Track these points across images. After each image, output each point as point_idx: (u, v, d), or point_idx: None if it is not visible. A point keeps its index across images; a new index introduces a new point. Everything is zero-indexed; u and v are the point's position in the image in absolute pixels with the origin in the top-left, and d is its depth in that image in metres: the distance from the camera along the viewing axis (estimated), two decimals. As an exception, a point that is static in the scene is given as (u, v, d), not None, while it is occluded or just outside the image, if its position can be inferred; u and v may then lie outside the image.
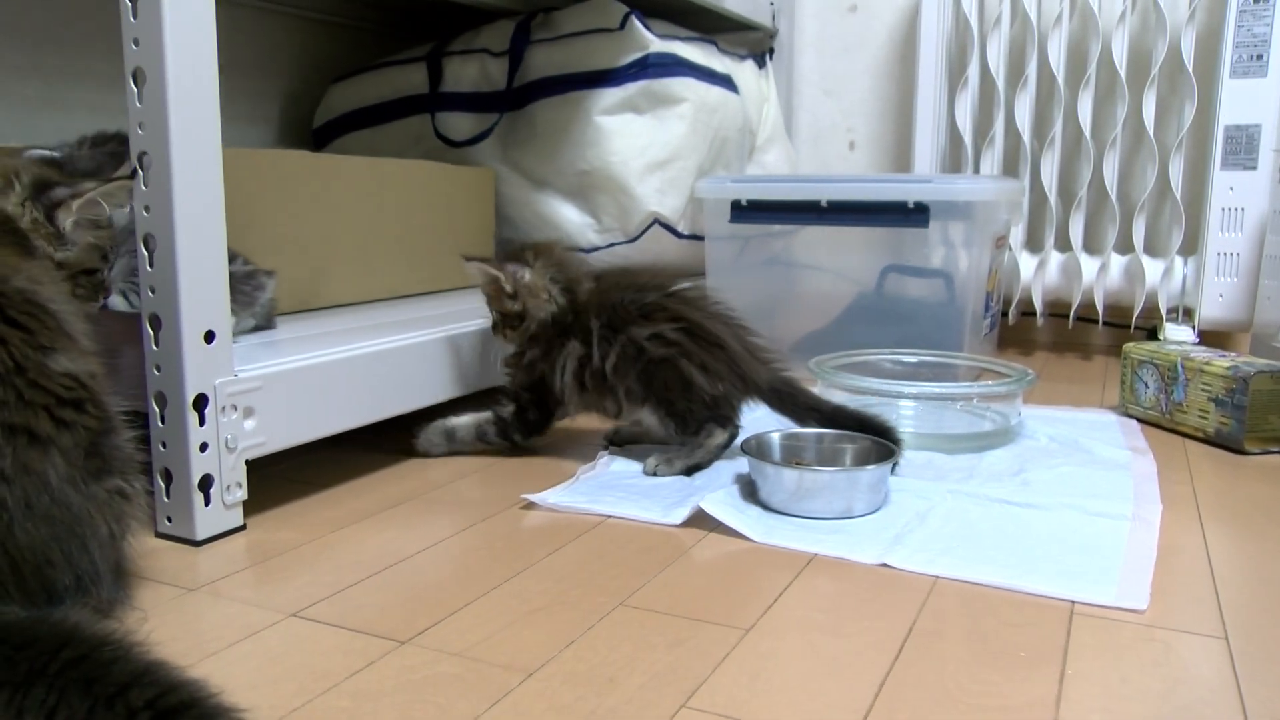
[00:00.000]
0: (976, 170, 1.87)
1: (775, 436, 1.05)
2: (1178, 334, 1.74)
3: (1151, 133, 1.74)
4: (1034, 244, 1.90)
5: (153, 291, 0.84)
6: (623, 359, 1.06)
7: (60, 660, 0.56)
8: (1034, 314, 1.88)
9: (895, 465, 1.01)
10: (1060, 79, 1.78)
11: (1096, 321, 1.85)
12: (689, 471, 1.06)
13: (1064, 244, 1.85)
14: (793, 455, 1.04)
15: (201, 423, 0.85)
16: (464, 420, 1.14)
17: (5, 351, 0.63)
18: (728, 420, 1.08)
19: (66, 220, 0.80)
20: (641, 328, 1.05)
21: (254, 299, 1.10)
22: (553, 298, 1.10)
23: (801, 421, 1.08)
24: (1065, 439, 1.21)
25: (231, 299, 1.04)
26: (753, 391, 1.08)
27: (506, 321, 1.11)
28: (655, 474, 1.05)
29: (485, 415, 1.14)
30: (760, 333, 1.14)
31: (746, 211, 1.60)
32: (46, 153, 0.99)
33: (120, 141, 1.03)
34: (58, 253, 0.80)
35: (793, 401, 1.09)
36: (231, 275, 1.05)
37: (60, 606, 0.64)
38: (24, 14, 1.38)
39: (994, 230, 1.55)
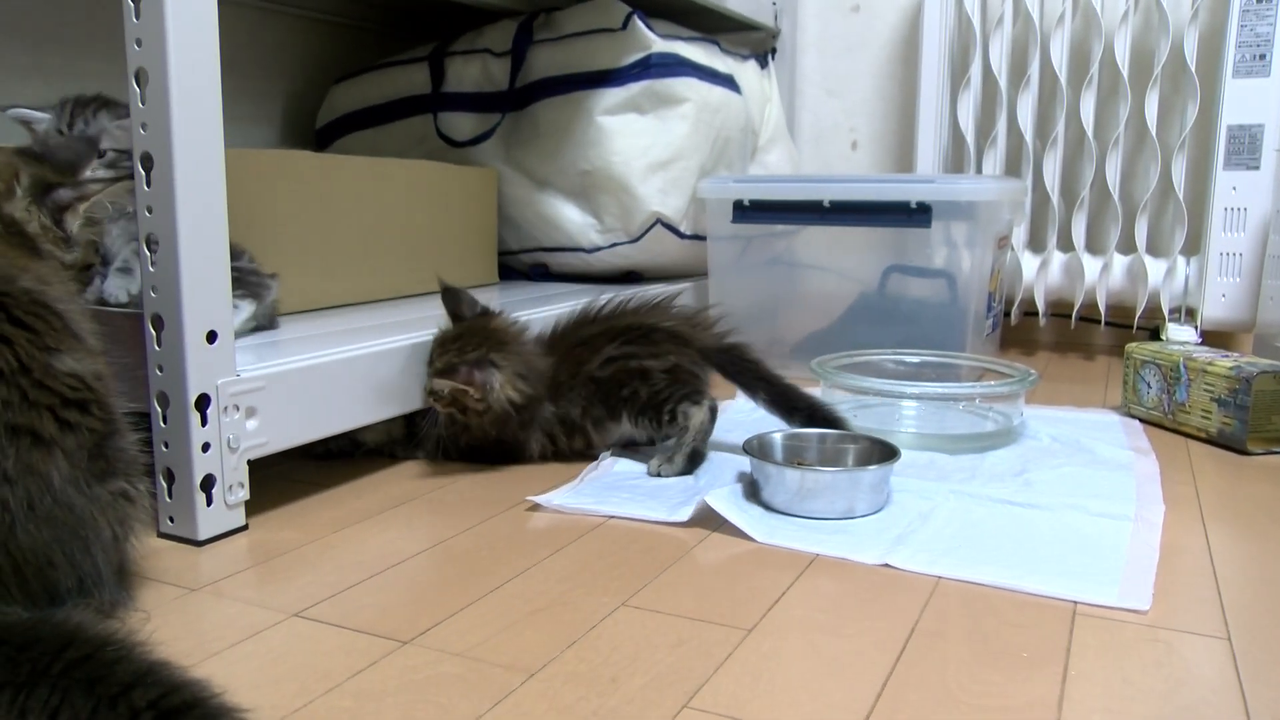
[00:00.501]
0: (979, 170, 1.87)
1: (777, 437, 1.05)
2: (1180, 334, 1.74)
3: (1154, 132, 1.74)
4: (1036, 244, 1.90)
5: (155, 292, 0.84)
6: (585, 398, 1.09)
7: (63, 661, 0.56)
8: (1036, 314, 1.87)
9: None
10: (1063, 79, 1.78)
11: (1099, 321, 1.84)
12: (690, 460, 1.06)
13: (1066, 244, 1.84)
14: (795, 455, 1.04)
15: (204, 423, 0.85)
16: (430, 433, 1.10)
17: (10, 352, 0.63)
18: (697, 394, 1.09)
19: (74, 224, 0.80)
20: (590, 363, 1.08)
21: (260, 294, 1.11)
22: (519, 390, 1.06)
23: (752, 392, 1.11)
24: (1067, 439, 1.21)
25: (241, 289, 1.07)
26: (701, 356, 1.11)
27: (457, 405, 1.06)
28: (660, 474, 1.05)
29: (445, 439, 1.10)
30: (707, 314, 1.17)
31: (749, 211, 1.60)
32: (31, 112, 1.00)
33: (101, 104, 1.02)
34: (66, 255, 0.80)
35: (743, 369, 1.11)
36: (240, 270, 1.07)
37: (63, 607, 0.64)
38: (26, 14, 1.38)
39: (996, 230, 1.55)
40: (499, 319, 1.11)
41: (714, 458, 1.12)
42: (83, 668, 0.56)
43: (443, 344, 1.08)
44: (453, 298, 1.12)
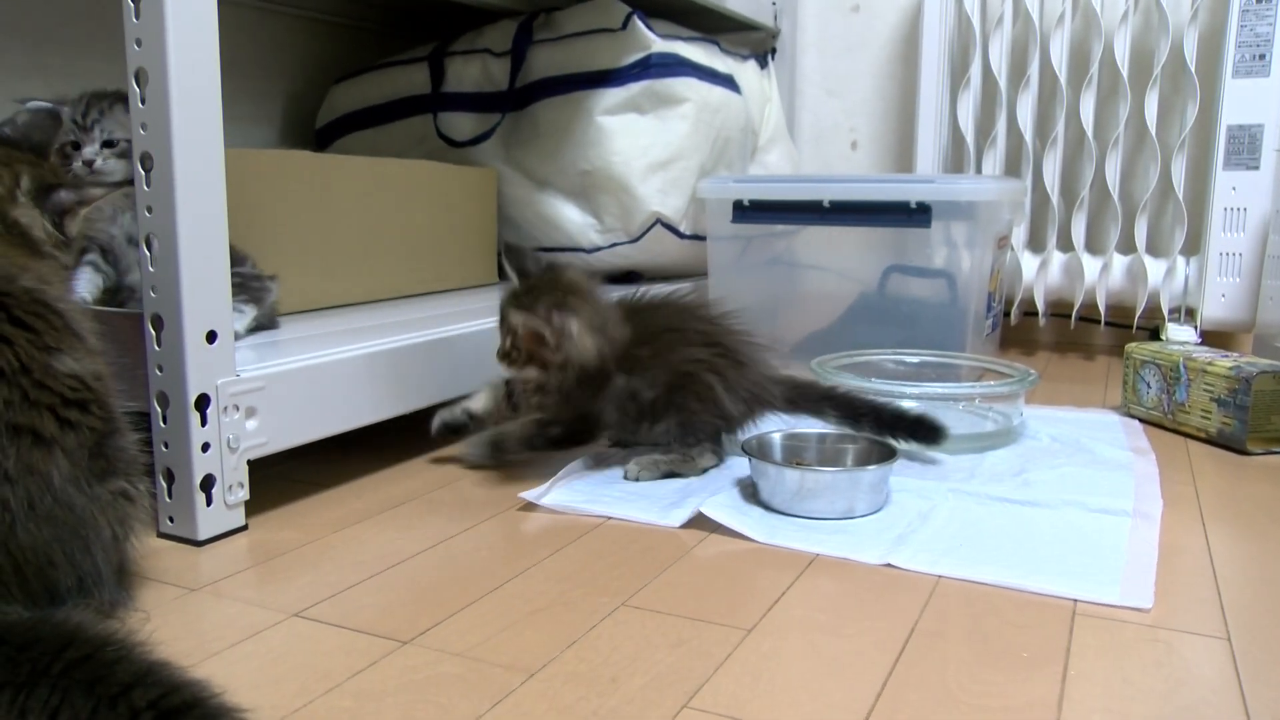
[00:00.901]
0: (979, 170, 1.87)
1: (776, 436, 1.05)
2: (1180, 334, 1.74)
3: (1154, 133, 1.74)
4: (1036, 244, 1.90)
5: (154, 292, 0.84)
6: (664, 385, 1.03)
7: (63, 661, 0.56)
8: (1036, 314, 1.87)
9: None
10: (1063, 79, 1.78)
11: (1099, 321, 1.84)
12: (668, 477, 1.05)
13: (1066, 244, 1.84)
14: (794, 455, 1.04)
15: (204, 423, 0.85)
16: (510, 429, 1.08)
17: (11, 352, 0.63)
18: (721, 446, 1.09)
19: (75, 227, 0.80)
20: (678, 353, 1.03)
21: (262, 298, 1.11)
22: (594, 346, 1.00)
23: (820, 415, 1.10)
24: (1067, 439, 1.21)
25: (243, 294, 1.07)
26: (765, 411, 1.09)
27: (533, 361, 1.01)
28: (638, 479, 1.04)
29: (530, 428, 1.08)
30: (765, 338, 1.13)
31: (749, 211, 1.60)
32: (46, 104, 1.00)
33: (118, 97, 1.02)
34: (67, 257, 0.80)
35: (807, 397, 1.10)
36: (243, 275, 1.08)
37: (63, 607, 0.64)
38: (26, 14, 1.38)
39: (996, 230, 1.55)
40: (570, 271, 1.05)
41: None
42: (83, 668, 0.56)
43: (515, 297, 1.02)
44: (518, 255, 1.06)
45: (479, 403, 1.10)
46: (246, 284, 1.09)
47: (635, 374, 1.03)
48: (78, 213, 0.80)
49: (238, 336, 1.06)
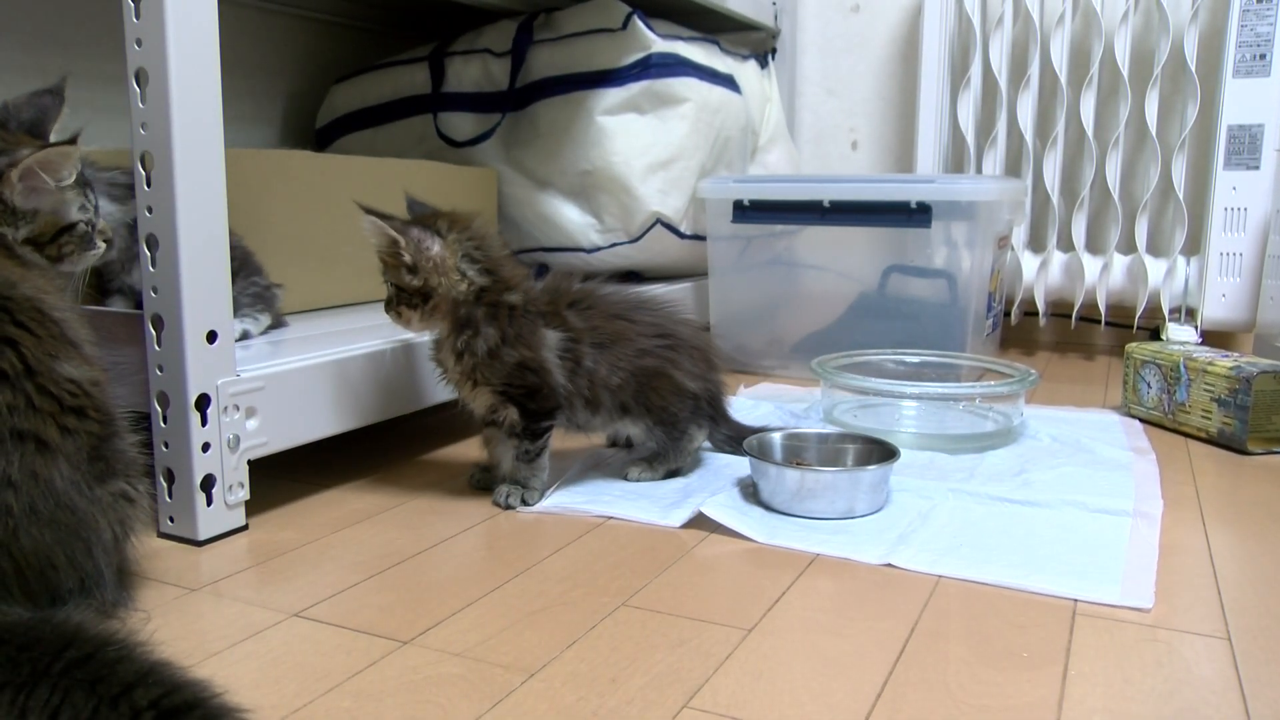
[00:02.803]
0: (979, 170, 1.87)
1: (776, 437, 1.05)
2: (1180, 334, 1.74)
3: (1154, 132, 1.74)
4: (1037, 244, 1.90)
5: (155, 292, 0.84)
6: (615, 371, 1.00)
7: (64, 660, 0.56)
8: (1036, 314, 1.87)
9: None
10: (1063, 79, 1.78)
11: (1099, 321, 1.84)
12: (669, 475, 1.06)
13: (1067, 244, 1.84)
14: (794, 455, 1.04)
15: (204, 423, 0.85)
16: (508, 464, 1.00)
17: (16, 354, 0.63)
18: (703, 418, 1.08)
19: (11, 194, 0.76)
20: (630, 343, 1.01)
21: (274, 305, 1.14)
22: (466, 277, 0.94)
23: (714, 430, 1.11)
24: (1067, 439, 1.21)
25: (260, 304, 1.10)
26: (718, 377, 1.09)
27: (404, 299, 0.96)
28: (639, 480, 1.05)
29: (510, 442, 0.99)
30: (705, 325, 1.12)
31: (749, 211, 1.60)
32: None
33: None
34: (18, 230, 0.76)
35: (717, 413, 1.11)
36: (259, 286, 1.11)
37: (64, 608, 0.64)
38: (26, 15, 1.38)
39: (996, 230, 1.55)
40: (469, 213, 1.00)
41: (708, 459, 1.12)
42: (84, 668, 0.56)
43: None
44: (416, 207, 1.02)
45: (486, 457, 1.05)
46: (262, 294, 1.11)
47: (580, 342, 0.98)
48: (10, 177, 0.76)
49: (248, 336, 1.06)
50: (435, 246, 0.94)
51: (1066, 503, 0.96)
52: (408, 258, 0.94)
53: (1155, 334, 1.79)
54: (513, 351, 0.95)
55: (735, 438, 1.10)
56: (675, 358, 1.03)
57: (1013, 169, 1.88)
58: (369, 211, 0.93)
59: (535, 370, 0.95)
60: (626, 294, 1.07)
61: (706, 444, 1.13)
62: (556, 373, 0.97)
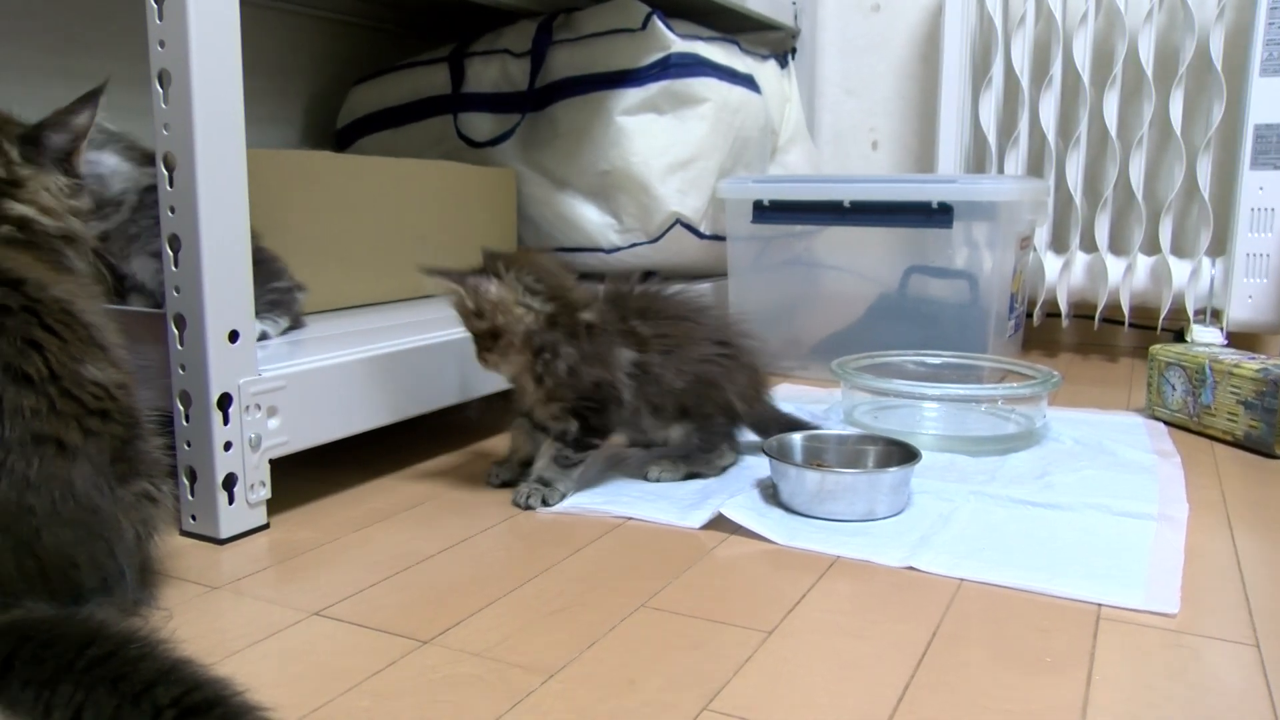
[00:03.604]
0: (1001, 170, 1.86)
1: (797, 438, 1.04)
2: (1205, 336, 1.72)
3: (1179, 132, 1.72)
4: (1059, 244, 1.89)
5: (177, 291, 0.85)
6: (680, 375, 1.00)
7: (86, 658, 0.57)
8: (1059, 315, 1.86)
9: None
10: (1086, 78, 1.76)
11: (1122, 323, 1.83)
12: (689, 477, 1.06)
13: (1089, 245, 1.83)
14: (814, 457, 1.03)
15: (226, 422, 0.86)
16: (543, 462, 1.00)
17: (41, 359, 0.64)
18: (735, 442, 1.09)
19: (80, 166, 0.77)
20: (691, 348, 1.02)
21: (294, 307, 1.14)
22: (531, 309, 0.97)
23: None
24: (1090, 442, 1.20)
25: (281, 308, 1.11)
26: (761, 410, 1.10)
27: (481, 344, 0.99)
28: (660, 479, 1.05)
29: (553, 447, 0.99)
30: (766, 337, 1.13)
31: (768, 212, 1.60)
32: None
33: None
34: (80, 199, 0.77)
35: (775, 423, 1.11)
36: (280, 290, 1.11)
37: (87, 606, 0.64)
38: (51, 18, 1.40)
39: (1018, 231, 1.54)
40: (527, 249, 1.05)
41: (733, 459, 1.12)
42: (106, 665, 0.56)
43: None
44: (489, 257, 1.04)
45: (505, 453, 1.07)
46: (281, 299, 1.12)
47: (650, 351, 1.00)
48: (80, 148, 0.77)
49: (266, 338, 1.07)
50: (493, 288, 0.96)
51: (1089, 506, 0.95)
52: (470, 304, 0.97)
53: (1180, 336, 1.77)
54: (591, 371, 0.97)
55: (786, 426, 1.10)
56: (732, 373, 1.04)
57: (1035, 169, 1.87)
58: (431, 271, 0.97)
59: (607, 390, 0.98)
60: (689, 296, 1.08)
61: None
62: (625, 392, 0.99)
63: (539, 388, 0.98)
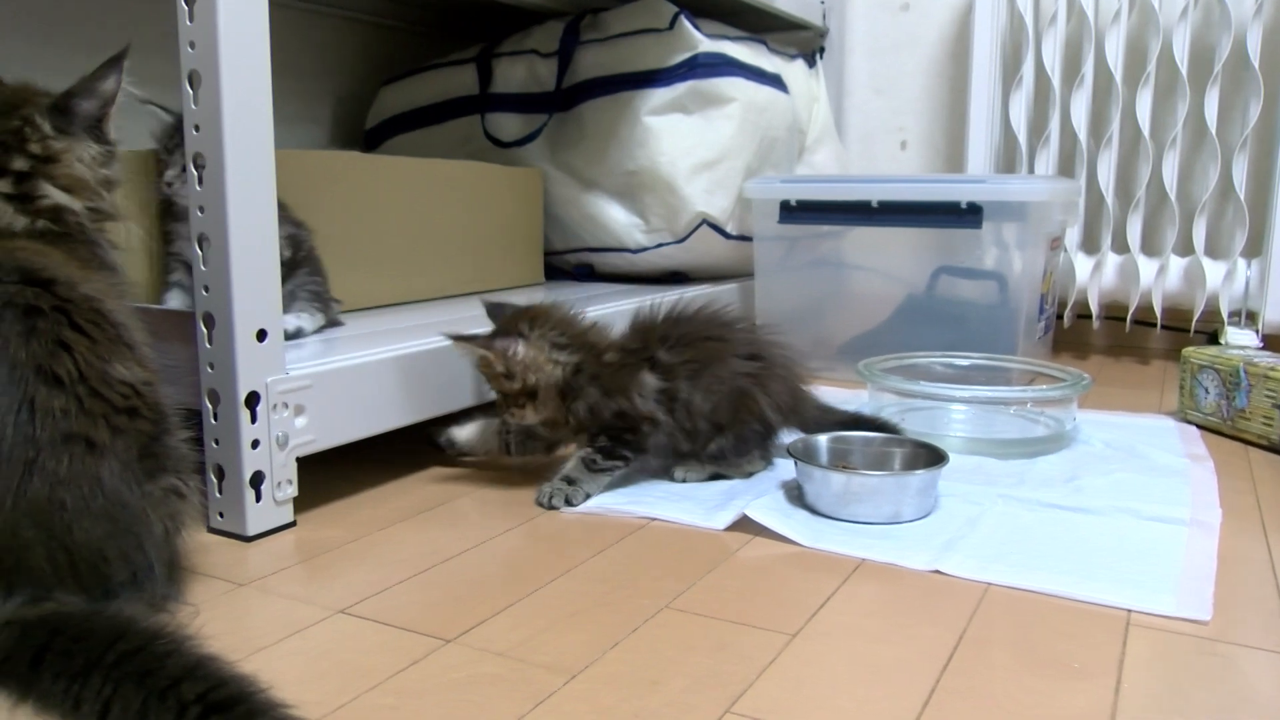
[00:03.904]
0: (1031, 170, 1.84)
1: (822, 439, 1.04)
2: (1240, 338, 1.69)
3: (1214, 131, 1.69)
4: (1090, 245, 1.87)
5: (206, 290, 0.85)
6: (710, 396, 1.00)
7: (116, 652, 0.58)
8: (1090, 317, 1.84)
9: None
10: (1118, 77, 1.74)
11: (1155, 325, 1.80)
12: (714, 478, 1.05)
13: (1121, 245, 1.81)
14: (840, 458, 1.03)
15: (253, 420, 0.86)
16: (572, 463, 1.00)
17: (70, 359, 0.65)
18: (767, 451, 1.08)
19: (112, 129, 0.79)
20: (723, 366, 1.01)
21: (328, 311, 1.16)
22: (559, 363, 0.99)
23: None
24: (1121, 445, 1.18)
25: (318, 303, 1.12)
26: (798, 422, 1.09)
27: (512, 401, 1.00)
28: (686, 480, 1.04)
29: (584, 450, 1.00)
30: (798, 341, 1.12)
31: (795, 212, 1.59)
32: (163, 111, 1.03)
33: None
34: (112, 168, 0.79)
35: (831, 421, 1.11)
36: (319, 285, 1.14)
37: (116, 600, 0.65)
38: (87, 20, 1.41)
39: (1049, 231, 1.52)
40: (546, 304, 1.04)
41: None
42: (134, 660, 0.57)
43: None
44: (496, 311, 1.06)
45: (465, 432, 1.11)
46: (320, 294, 1.13)
47: (676, 378, 1.00)
48: (109, 113, 0.79)
49: (301, 334, 1.08)
50: (522, 349, 0.99)
51: (1119, 510, 0.94)
52: (501, 368, 0.99)
53: (1213, 338, 1.75)
54: (611, 403, 0.98)
55: (840, 423, 1.10)
56: (766, 384, 1.03)
57: (1066, 169, 1.85)
58: (455, 338, 0.99)
59: (632, 417, 0.99)
60: (717, 310, 1.07)
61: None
62: (658, 413, 0.99)
63: (568, 425, 1.01)
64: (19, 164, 0.75)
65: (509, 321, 1.01)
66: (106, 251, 0.79)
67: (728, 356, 1.02)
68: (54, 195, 0.76)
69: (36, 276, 0.66)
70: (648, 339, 1.02)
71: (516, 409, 1.00)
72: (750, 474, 1.07)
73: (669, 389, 1.00)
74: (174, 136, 1.03)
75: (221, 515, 0.88)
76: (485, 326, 1.08)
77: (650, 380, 1.00)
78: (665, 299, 1.08)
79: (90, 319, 0.67)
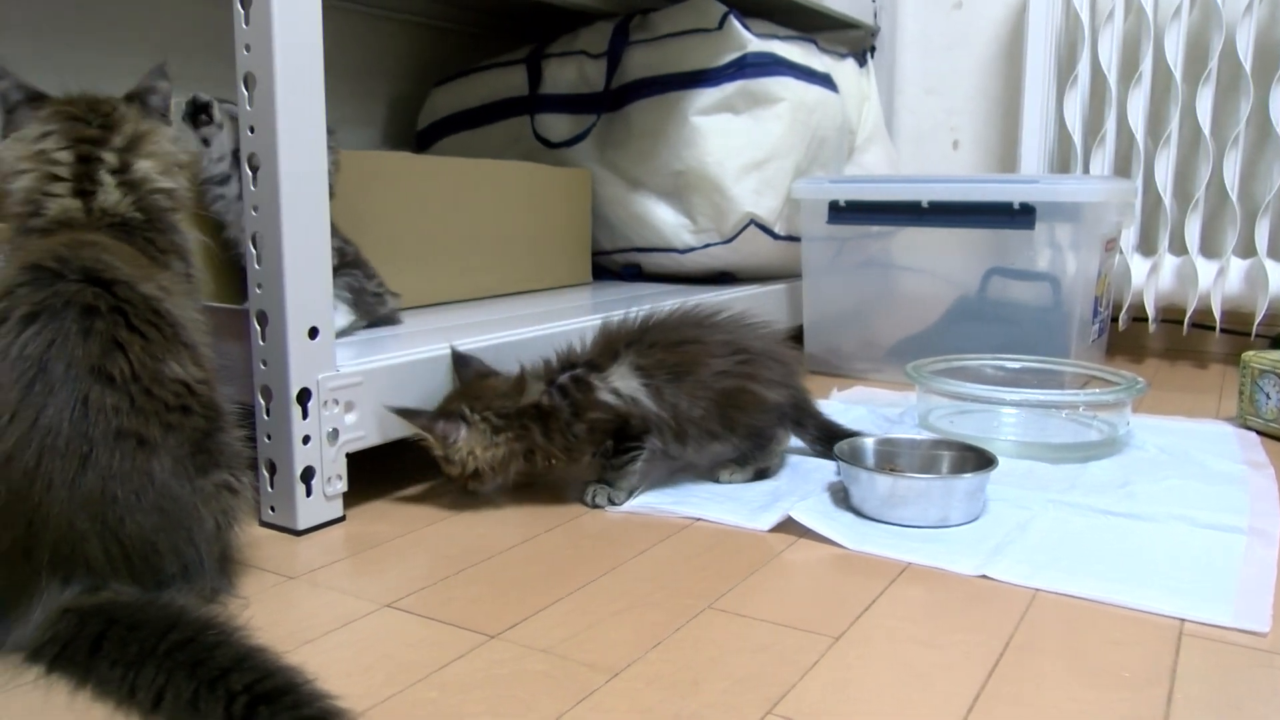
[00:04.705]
0: (1086, 170, 1.81)
1: (869, 442, 1.03)
2: (1303, 342, 1.65)
3: (1278, 129, 1.65)
4: (1147, 247, 1.83)
5: (259, 288, 0.87)
6: (696, 403, 0.99)
7: (168, 642, 0.59)
8: (1146, 320, 1.80)
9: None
10: (1178, 74, 1.70)
11: (1213, 328, 1.76)
12: (759, 476, 1.05)
13: (1179, 247, 1.77)
14: (886, 461, 1.02)
15: (305, 416, 0.88)
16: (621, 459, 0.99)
17: (124, 359, 0.66)
18: (788, 421, 1.08)
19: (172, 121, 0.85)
20: (704, 368, 0.99)
21: (372, 310, 1.16)
22: (497, 445, 0.96)
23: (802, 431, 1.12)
24: (1176, 450, 1.16)
25: (352, 306, 1.12)
26: (798, 386, 1.09)
27: (459, 480, 0.98)
28: (730, 481, 1.04)
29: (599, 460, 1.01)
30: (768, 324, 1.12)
31: (844, 212, 1.58)
32: (232, 106, 1.03)
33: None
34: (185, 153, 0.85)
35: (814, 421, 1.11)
36: (363, 292, 1.14)
37: (168, 591, 0.67)
38: (151, 25, 1.45)
39: (1104, 233, 1.50)
40: (482, 379, 1.01)
41: (798, 462, 1.11)
42: (186, 650, 0.58)
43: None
44: (462, 362, 1.04)
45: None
46: (359, 296, 1.13)
47: (654, 377, 0.98)
48: (170, 108, 0.85)
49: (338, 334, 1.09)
50: (463, 435, 0.96)
51: (1174, 517, 0.92)
52: (440, 452, 0.97)
53: (1275, 342, 1.70)
54: (581, 425, 0.96)
55: (826, 438, 1.09)
56: (754, 371, 1.02)
57: (1122, 169, 1.81)
58: (398, 412, 0.96)
59: (610, 419, 0.97)
60: (688, 312, 1.06)
61: (796, 443, 1.12)
62: (645, 401, 0.97)
63: (560, 463, 0.99)
64: (118, 140, 0.79)
65: (452, 400, 0.99)
66: (183, 237, 0.82)
67: (706, 359, 1.00)
68: (149, 173, 0.79)
69: (99, 276, 0.68)
70: (612, 344, 1.01)
71: (472, 480, 0.97)
72: (783, 454, 1.08)
73: (649, 380, 0.98)
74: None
75: (273, 510, 0.90)
76: (528, 325, 1.09)
77: (617, 370, 0.98)
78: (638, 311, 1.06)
79: (148, 319, 0.69)
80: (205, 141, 1.00)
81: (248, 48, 0.84)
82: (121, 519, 0.65)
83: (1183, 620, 0.73)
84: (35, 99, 0.79)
